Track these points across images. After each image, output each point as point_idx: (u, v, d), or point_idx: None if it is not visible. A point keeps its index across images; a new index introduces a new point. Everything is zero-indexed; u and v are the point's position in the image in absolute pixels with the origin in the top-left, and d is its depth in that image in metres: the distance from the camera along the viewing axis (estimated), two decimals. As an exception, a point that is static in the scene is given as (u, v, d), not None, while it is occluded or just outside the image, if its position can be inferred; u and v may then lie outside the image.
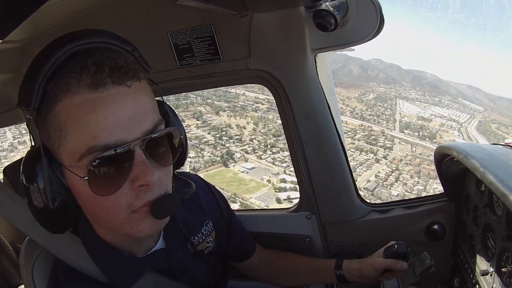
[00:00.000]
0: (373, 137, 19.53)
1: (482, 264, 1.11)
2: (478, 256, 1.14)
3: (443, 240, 1.40)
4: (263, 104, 16.93)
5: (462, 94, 21.85)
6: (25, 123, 1.88)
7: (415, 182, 17.27)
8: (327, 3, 1.10)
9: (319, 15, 1.10)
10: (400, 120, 19.36)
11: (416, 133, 18.74)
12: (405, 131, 18.80)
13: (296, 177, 1.50)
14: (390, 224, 1.45)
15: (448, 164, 1.25)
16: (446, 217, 1.39)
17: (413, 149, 18.06)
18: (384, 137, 18.99)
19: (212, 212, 1.13)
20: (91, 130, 0.64)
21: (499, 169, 0.91)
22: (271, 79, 1.37)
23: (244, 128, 18.93)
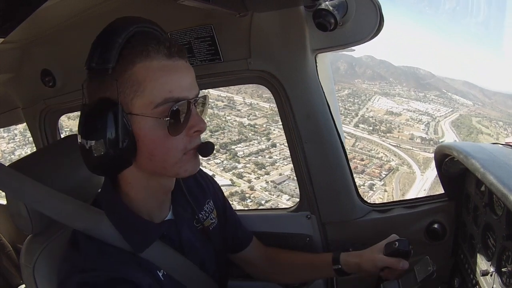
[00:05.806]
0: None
1: (482, 264, 1.11)
2: (478, 256, 1.14)
3: (443, 240, 1.39)
4: (222, 101, 16.61)
5: (455, 89, 21.09)
6: (25, 123, 1.89)
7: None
8: (326, 2, 1.10)
9: (319, 14, 1.10)
10: (362, 115, 18.61)
11: (370, 128, 17.54)
12: (360, 125, 18.19)
13: (296, 177, 1.50)
14: (390, 224, 1.44)
15: (448, 164, 1.24)
16: (446, 217, 1.39)
17: (356, 143, 17.35)
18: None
19: (211, 194, 1.23)
20: (168, 87, 0.83)
21: (499, 169, 0.91)
22: (271, 79, 1.37)
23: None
